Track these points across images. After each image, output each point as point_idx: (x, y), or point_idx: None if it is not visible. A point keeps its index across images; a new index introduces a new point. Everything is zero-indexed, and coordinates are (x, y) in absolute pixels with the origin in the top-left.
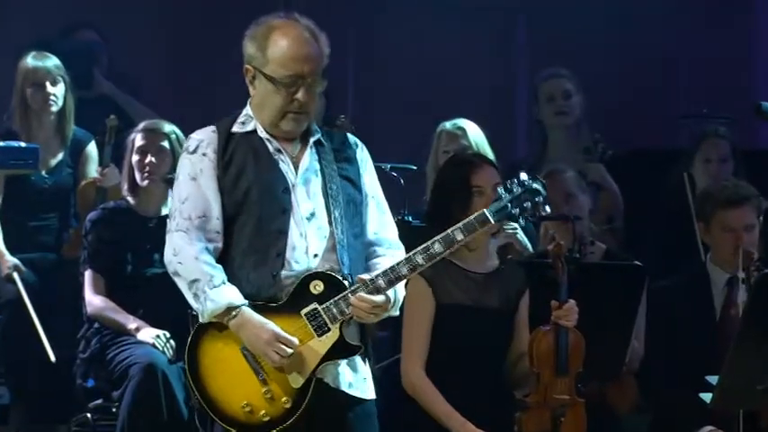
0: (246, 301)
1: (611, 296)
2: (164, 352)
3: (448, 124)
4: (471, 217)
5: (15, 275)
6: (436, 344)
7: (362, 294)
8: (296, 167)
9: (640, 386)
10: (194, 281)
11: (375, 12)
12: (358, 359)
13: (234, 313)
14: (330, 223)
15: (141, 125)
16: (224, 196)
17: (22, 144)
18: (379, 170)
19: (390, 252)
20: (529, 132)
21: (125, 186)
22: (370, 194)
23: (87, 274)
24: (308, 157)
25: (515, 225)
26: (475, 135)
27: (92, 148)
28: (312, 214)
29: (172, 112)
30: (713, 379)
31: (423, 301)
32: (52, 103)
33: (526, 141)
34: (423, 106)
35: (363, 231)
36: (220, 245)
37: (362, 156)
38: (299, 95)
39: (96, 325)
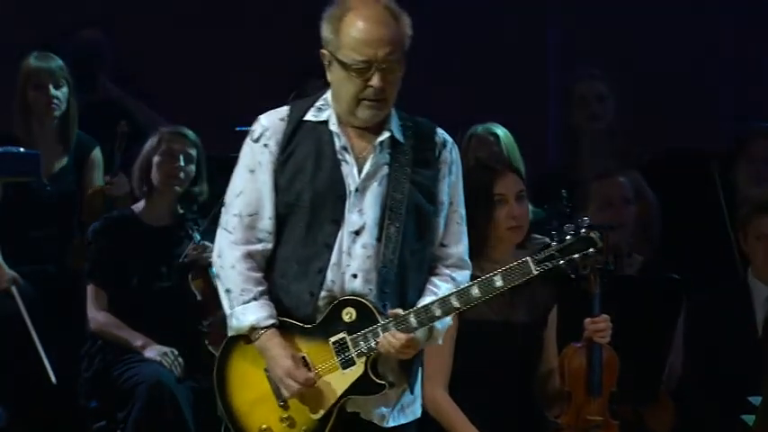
0: (271, 322)
1: (648, 311)
2: (171, 370)
3: (479, 128)
4: (514, 264)
5: (13, 289)
6: (460, 361)
7: (395, 332)
8: (360, 170)
9: (678, 407)
10: (228, 290)
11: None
12: (396, 390)
13: (256, 335)
14: (379, 240)
15: (168, 128)
16: (278, 194)
17: (22, 150)
18: None
19: (451, 273)
20: (559, 136)
21: (139, 189)
22: (446, 202)
23: (89, 289)
24: (374, 159)
25: (547, 239)
26: (508, 143)
27: (97, 155)
28: (361, 228)
29: (179, 118)
30: (756, 399)
31: None
32: (55, 106)
33: (556, 145)
34: (448, 106)
35: (431, 245)
36: (271, 245)
37: (447, 156)
38: (374, 81)
39: (100, 342)
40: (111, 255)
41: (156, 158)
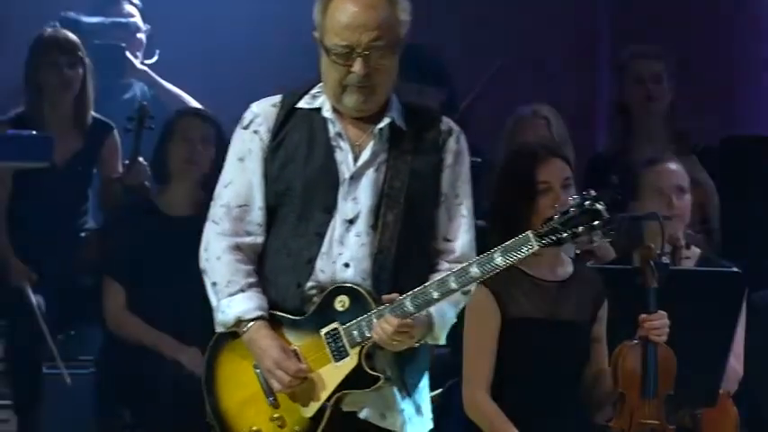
0: (259, 313)
1: (706, 307)
2: (193, 371)
3: (527, 109)
4: (513, 239)
5: (26, 285)
6: (503, 363)
7: (388, 316)
8: (356, 158)
9: (740, 411)
10: (214, 284)
11: None
12: (394, 388)
13: (244, 328)
14: (375, 228)
15: (185, 109)
16: (268, 183)
17: (34, 133)
18: None
19: (452, 269)
20: (610, 118)
21: (155, 177)
22: (449, 194)
23: (106, 283)
24: (372, 147)
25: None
26: (558, 126)
27: (114, 139)
28: (356, 216)
29: (208, 102)
30: None
31: (486, 315)
32: (68, 86)
33: (607, 128)
34: (494, 85)
35: (432, 238)
36: (261, 239)
37: (452, 146)
38: (356, 68)
39: (117, 341)
40: (129, 247)
41: (171, 142)
